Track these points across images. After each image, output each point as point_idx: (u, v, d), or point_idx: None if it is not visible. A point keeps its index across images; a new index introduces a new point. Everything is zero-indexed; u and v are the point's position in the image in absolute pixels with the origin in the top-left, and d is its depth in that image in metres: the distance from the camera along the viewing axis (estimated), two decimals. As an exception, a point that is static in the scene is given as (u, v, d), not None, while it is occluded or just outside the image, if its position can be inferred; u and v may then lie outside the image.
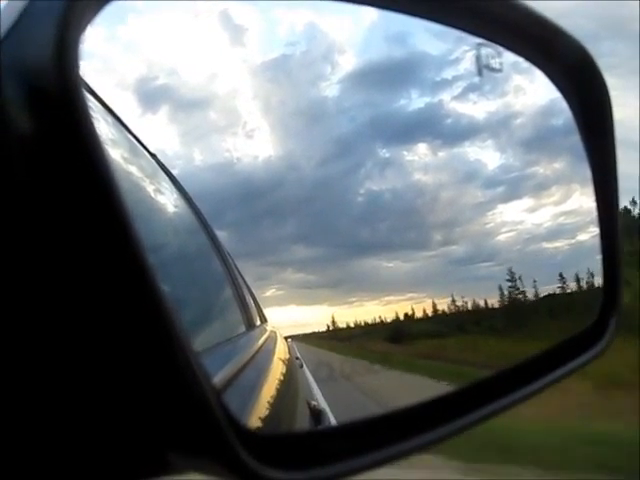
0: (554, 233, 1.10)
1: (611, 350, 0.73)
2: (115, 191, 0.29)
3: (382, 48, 0.97)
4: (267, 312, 1.63)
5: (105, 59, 0.70)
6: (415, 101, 1.06)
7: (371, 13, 0.72)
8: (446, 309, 1.04)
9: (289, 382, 1.09)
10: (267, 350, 1.17)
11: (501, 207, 1.10)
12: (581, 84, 0.74)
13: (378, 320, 1.10)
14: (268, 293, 1.22)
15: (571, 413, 4.68)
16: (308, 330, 1.30)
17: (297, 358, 1.58)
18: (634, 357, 5.06)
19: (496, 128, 1.14)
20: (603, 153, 0.76)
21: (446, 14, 0.65)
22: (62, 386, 0.33)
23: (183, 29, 0.75)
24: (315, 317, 1.11)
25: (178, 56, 0.88)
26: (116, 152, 0.62)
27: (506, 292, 0.99)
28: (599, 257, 0.79)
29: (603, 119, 0.74)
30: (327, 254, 1.09)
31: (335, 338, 1.18)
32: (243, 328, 1.19)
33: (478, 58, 0.75)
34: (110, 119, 0.72)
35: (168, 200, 0.99)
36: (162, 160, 1.06)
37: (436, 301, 1.05)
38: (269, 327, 1.55)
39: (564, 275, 1.00)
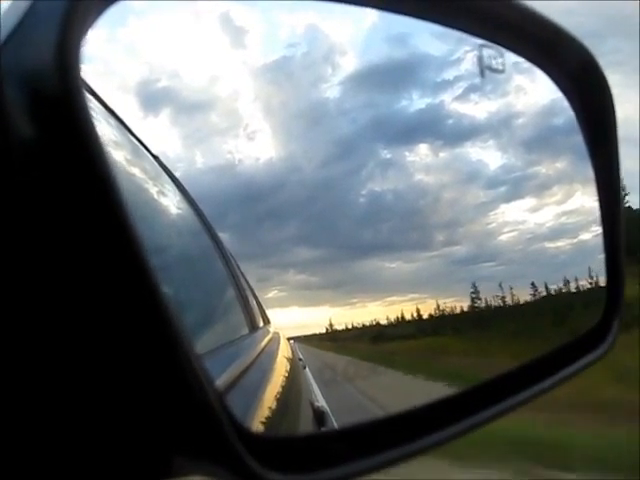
0: (556, 233, 1.10)
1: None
2: (116, 194, 0.29)
3: (383, 49, 0.97)
4: (269, 314, 1.63)
5: (106, 62, 0.70)
6: (416, 102, 1.06)
7: (372, 14, 0.72)
8: (432, 313, 1.05)
9: (293, 383, 1.09)
10: (270, 352, 1.17)
11: (503, 207, 1.10)
12: (583, 85, 0.74)
13: (374, 323, 1.11)
14: (270, 294, 1.22)
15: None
16: (309, 332, 1.31)
17: (300, 359, 1.58)
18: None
19: (497, 128, 1.14)
20: (606, 153, 0.76)
21: (447, 15, 0.65)
22: (66, 390, 0.33)
23: (184, 31, 0.75)
24: (317, 318, 1.12)
25: (179, 58, 0.88)
26: (119, 154, 0.62)
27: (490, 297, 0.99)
28: (601, 256, 0.79)
29: (606, 119, 0.74)
30: (329, 255, 1.09)
31: (332, 339, 1.21)
32: (246, 330, 1.19)
33: (480, 59, 0.75)
34: (112, 121, 0.72)
35: (171, 202, 0.99)
36: (164, 162, 1.06)
37: (439, 301, 1.05)
38: (272, 328, 1.55)
39: (566, 275, 1.00)
